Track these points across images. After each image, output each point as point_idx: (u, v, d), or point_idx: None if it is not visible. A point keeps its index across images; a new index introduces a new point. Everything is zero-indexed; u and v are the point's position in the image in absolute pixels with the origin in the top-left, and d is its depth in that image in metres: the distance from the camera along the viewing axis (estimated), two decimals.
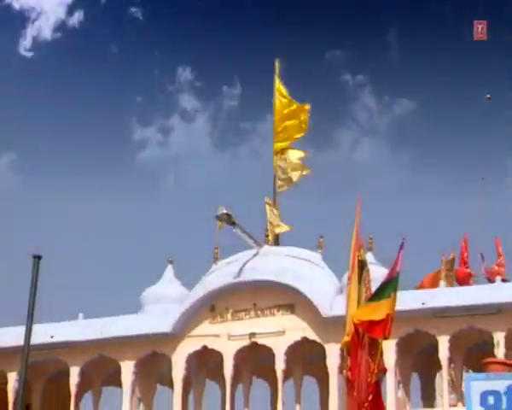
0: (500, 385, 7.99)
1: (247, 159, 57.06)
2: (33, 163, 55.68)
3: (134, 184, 53.64)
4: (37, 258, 7.36)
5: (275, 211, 25.00)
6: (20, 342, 6.40)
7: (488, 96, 35.96)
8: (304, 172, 25.65)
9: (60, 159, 54.04)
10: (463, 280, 25.73)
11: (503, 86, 47.90)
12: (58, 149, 54.24)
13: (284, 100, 26.27)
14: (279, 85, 26.38)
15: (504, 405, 7.83)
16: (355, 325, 11.22)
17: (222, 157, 58.28)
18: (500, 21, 43.20)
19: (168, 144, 59.54)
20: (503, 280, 24.24)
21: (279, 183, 25.66)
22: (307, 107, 26.16)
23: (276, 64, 26.63)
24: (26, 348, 6.68)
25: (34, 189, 53.85)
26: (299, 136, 26.15)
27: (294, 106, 26.07)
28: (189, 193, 53.41)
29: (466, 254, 26.55)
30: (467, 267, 26.34)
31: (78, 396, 24.64)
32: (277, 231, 24.86)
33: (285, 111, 26.16)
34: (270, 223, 24.83)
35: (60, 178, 53.78)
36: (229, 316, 23.37)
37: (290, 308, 22.99)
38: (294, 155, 25.62)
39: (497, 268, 26.31)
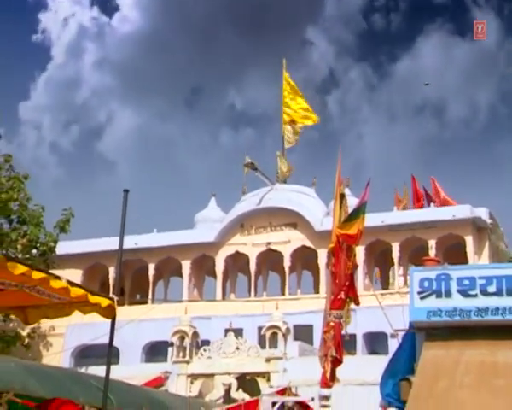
0: (432, 274, 8.17)
1: None
2: None
3: None
4: (126, 192, 7.33)
5: (285, 164, 24.63)
6: (116, 247, 6.54)
7: (426, 83, 35.22)
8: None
9: None
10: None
11: None
12: None
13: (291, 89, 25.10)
14: (288, 79, 25.40)
15: (434, 287, 8.05)
16: (337, 236, 11.24)
17: None
18: None
19: None
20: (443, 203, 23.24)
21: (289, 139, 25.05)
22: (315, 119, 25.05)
23: (284, 61, 25.92)
24: (120, 251, 6.80)
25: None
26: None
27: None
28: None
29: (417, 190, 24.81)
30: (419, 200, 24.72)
31: (154, 283, 25.00)
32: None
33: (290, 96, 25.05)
34: (281, 169, 24.49)
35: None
36: (252, 231, 23.51)
37: (293, 225, 23.09)
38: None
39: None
